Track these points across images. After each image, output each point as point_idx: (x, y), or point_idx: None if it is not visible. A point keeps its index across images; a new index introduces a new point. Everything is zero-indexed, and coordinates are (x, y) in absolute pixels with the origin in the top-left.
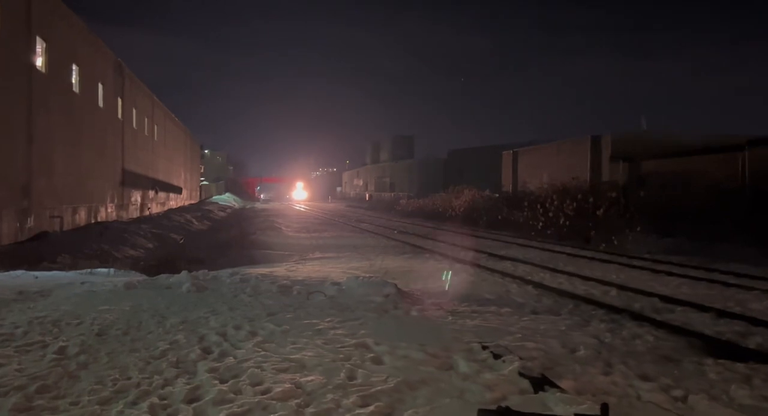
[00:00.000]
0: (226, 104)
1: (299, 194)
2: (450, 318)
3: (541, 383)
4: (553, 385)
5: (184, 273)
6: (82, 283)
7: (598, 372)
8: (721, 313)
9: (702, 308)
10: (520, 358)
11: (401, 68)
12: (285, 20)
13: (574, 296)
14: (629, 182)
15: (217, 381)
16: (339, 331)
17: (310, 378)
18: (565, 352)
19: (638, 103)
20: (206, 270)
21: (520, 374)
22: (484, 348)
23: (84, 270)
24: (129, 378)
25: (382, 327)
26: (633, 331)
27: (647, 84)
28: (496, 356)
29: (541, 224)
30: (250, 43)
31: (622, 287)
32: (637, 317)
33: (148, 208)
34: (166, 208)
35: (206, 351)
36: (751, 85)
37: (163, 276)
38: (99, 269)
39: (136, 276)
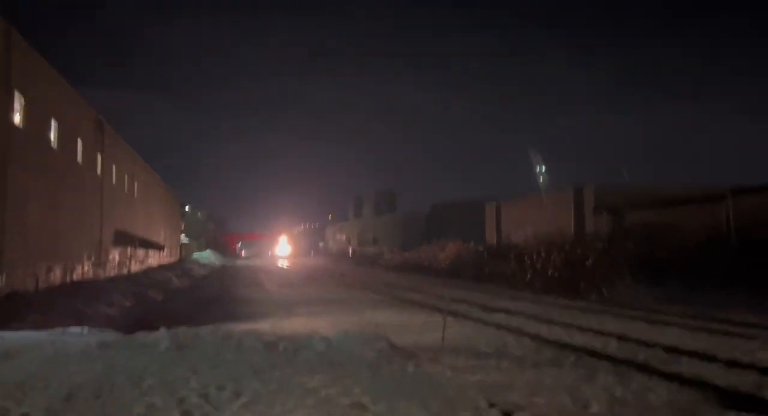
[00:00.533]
0: (212, 162)
1: (283, 249)
2: (449, 373)
3: None
4: None
5: (162, 330)
6: (52, 343)
7: None
8: (731, 363)
9: (709, 358)
10: None
11: (387, 125)
12: (276, 81)
13: (574, 348)
14: (614, 233)
15: None
16: (331, 390)
17: None
18: (578, 408)
19: (619, 147)
20: (186, 327)
21: None
22: (492, 405)
23: (56, 330)
24: None
25: (378, 385)
26: (643, 384)
27: (627, 133)
28: (506, 413)
29: (529, 276)
30: (239, 105)
31: (621, 338)
32: (645, 368)
33: (127, 266)
34: (145, 266)
35: (186, 414)
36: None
37: (140, 334)
38: (72, 328)
39: (111, 335)
